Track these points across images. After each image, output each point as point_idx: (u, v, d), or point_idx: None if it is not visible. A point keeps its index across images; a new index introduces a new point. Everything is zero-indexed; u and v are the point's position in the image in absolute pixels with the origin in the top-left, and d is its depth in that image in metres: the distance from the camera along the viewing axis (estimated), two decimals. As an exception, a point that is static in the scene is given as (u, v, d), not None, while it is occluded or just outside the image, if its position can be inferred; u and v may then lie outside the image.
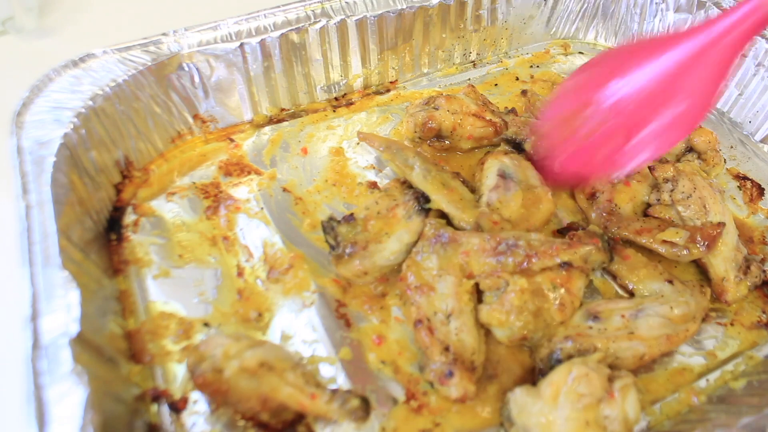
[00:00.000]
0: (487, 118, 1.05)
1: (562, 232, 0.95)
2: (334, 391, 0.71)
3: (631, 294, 0.87)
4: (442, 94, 1.07)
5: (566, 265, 0.80)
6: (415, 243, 0.86)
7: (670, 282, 0.85)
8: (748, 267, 0.88)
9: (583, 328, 0.78)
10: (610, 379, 0.71)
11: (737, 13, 0.72)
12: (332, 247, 0.87)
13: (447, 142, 1.07)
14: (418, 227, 0.87)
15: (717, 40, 0.73)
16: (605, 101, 0.81)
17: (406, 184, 0.93)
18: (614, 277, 0.90)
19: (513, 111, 1.12)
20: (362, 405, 0.71)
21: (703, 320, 0.84)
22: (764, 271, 0.90)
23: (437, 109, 1.05)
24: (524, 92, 1.20)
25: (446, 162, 1.05)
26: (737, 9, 0.73)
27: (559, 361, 0.74)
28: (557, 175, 0.91)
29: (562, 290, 0.79)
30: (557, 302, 0.78)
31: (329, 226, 0.88)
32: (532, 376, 0.78)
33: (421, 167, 0.92)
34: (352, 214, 0.89)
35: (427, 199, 0.89)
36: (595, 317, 0.79)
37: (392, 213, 0.89)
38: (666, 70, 0.76)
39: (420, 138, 1.07)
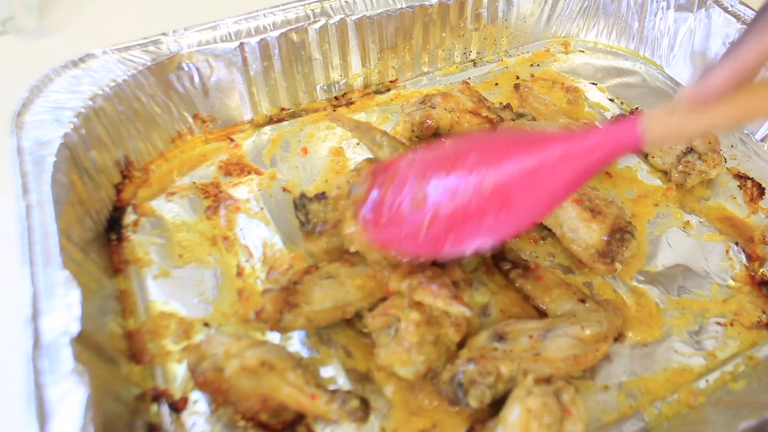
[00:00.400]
0: (484, 114, 1.06)
1: None
2: (334, 392, 0.71)
3: (546, 315, 0.84)
4: (438, 93, 1.07)
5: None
6: None
7: (583, 301, 0.83)
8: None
9: (488, 349, 0.75)
10: (557, 395, 0.70)
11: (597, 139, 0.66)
12: (302, 224, 0.88)
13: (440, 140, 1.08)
14: None
15: (570, 157, 0.67)
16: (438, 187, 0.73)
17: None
18: (530, 297, 0.86)
19: (508, 107, 1.12)
20: (362, 406, 0.71)
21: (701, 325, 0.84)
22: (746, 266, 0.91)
23: (434, 107, 1.05)
24: (517, 86, 1.20)
25: None
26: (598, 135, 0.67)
27: (461, 385, 0.71)
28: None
29: None
30: (452, 323, 0.75)
31: (300, 203, 0.88)
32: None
33: (389, 145, 0.93)
34: (323, 193, 0.89)
35: None
36: (501, 338, 0.76)
37: None
38: (507, 170, 0.70)
39: (418, 137, 1.07)
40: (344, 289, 0.78)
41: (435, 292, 0.74)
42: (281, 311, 0.75)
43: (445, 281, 0.75)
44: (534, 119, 1.13)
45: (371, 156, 1.02)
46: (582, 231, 0.87)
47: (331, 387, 0.77)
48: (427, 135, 1.07)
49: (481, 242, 0.71)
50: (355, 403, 0.70)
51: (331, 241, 0.86)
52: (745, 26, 1.14)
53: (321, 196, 0.88)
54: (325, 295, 0.77)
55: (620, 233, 0.87)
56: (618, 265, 0.87)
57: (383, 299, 0.79)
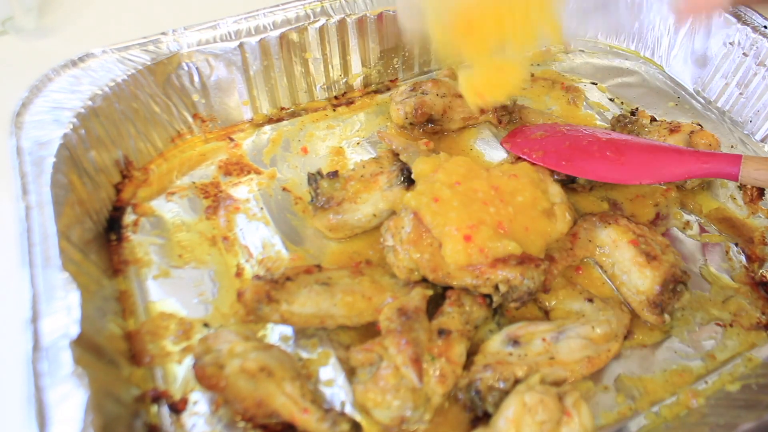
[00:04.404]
0: None
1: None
2: (328, 411, 0.70)
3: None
4: (426, 80, 1.10)
5: (443, 333, 0.75)
6: (389, 213, 0.90)
7: (590, 300, 0.83)
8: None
9: (503, 354, 0.75)
10: (560, 397, 0.70)
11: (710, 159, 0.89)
12: (311, 198, 0.92)
13: (432, 125, 1.09)
14: (395, 198, 0.91)
15: (673, 162, 0.91)
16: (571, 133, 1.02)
17: (398, 156, 0.96)
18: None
19: None
20: (352, 431, 0.70)
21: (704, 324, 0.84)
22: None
23: (426, 93, 1.07)
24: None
25: (438, 145, 1.08)
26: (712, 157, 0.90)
27: (478, 392, 0.72)
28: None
29: (442, 360, 0.72)
30: (437, 374, 0.71)
31: (313, 178, 0.93)
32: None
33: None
34: (336, 171, 0.94)
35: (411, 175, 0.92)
36: (515, 342, 0.76)
37: (374, 179, 0.93)
38: (627, 143, 0.97)
39: (411, 124, 1.08)
40: (332, 301, 0.78)
41: (401, 346, 0.72)
42: (259, 302, 0.76)
43: (419, 338, 0.73)
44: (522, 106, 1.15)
45: (375, 156, 1.02)
46: (634, 275, 0.84)
47: (330, 390, 0.77)
48: (421, 121, 1.08)
49: (585, 175, 0.95)
50: (345, 426, 0.69)
51: (335, 219, 0.90)
52: (745, 27, 1.14)
53: (333, 175, 0.93)
54: (309, 300, 0.77)
55: (674, 283, 0.83)
56: (667, 317, 0.83)
57: (371, 323, 0.79)
